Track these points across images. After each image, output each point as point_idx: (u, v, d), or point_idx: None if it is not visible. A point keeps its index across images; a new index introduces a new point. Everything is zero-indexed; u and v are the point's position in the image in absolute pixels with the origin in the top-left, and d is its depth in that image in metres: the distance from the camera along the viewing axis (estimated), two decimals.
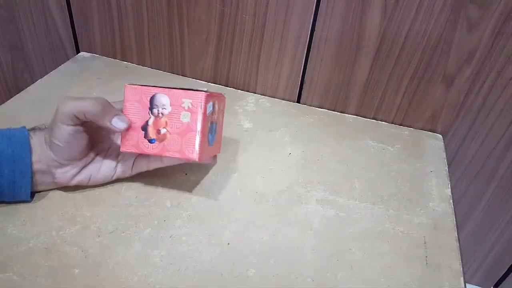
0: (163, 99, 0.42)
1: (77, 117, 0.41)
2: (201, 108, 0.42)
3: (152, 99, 0.42)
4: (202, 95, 0.42)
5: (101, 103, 0.41)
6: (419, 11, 0.56)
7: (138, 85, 0.43)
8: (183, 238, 0.44)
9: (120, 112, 0.43)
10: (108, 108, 0.42)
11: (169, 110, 0.42)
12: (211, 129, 0.46)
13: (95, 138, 0.46)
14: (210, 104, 0.43)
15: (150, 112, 0.43)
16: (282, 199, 0.50)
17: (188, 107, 0.42)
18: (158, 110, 0.42)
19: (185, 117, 0.42)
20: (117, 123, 0.42)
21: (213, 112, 0.45)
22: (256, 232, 0.46)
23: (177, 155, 0.42)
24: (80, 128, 0.42)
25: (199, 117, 0.42)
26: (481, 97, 0.61)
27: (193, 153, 0.42)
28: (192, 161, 0.45)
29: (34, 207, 0.45)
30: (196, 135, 0.42)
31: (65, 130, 0.41)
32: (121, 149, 0.44)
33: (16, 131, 0.42)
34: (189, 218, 0.46)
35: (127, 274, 0.39)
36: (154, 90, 0.43)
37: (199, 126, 0.42)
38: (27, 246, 0.41)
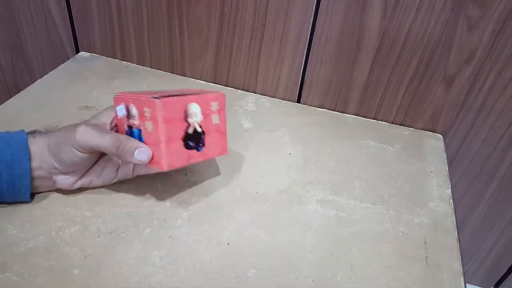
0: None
1: (93, 149, 0.41)
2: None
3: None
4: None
5: (118, 144, 0.41)
6: (419, 11, 0.56)
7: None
8: (183, 238, 0.44)
9: (141, 143, 0.41)
10: (127, 145, 0.41)
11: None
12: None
13: None
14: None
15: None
16: (282, 199, 0.50)
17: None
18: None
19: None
20: (139, 156, 0.41)
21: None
22: (256, 232, 0.46)
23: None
24: (93, 154, 0.43)
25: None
26: (481, 97, 0.61)
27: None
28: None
29: (34, 207, 0.44)
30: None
31: (77, 155, 0.41)
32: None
33: (15, 135, 0.42)
34: (189, 218, 0.46)
35: (127, 274, 0.39)
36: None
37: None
38: (27, 246, 0.41)
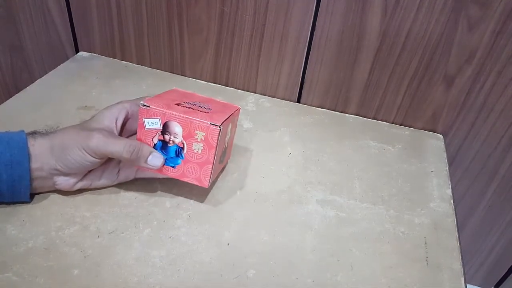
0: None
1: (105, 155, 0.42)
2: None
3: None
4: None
5: (133, 149, 0.42)
6: (419, 11, 0.56)
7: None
8: (183, 239, 0.44)
9: (153, 149, 0.43)
10: (142, 150, 0.42)
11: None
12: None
13: None
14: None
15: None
16: (282, 199, 0.50)
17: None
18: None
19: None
20: (153, 161, 0.43)
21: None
22: (256, 232, 0.45)
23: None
24: (103, 159, 0.43)
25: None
26: (482, 97, 0.61)
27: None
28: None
29: (33, 208, 0.44)
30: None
31: (89, 159, 0.42)
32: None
33: (14, 135, 0.42)
34: (189, 219, 0.46)
35: (127, 275, 0.39)
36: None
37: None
38: (26, 247, 0.41)
